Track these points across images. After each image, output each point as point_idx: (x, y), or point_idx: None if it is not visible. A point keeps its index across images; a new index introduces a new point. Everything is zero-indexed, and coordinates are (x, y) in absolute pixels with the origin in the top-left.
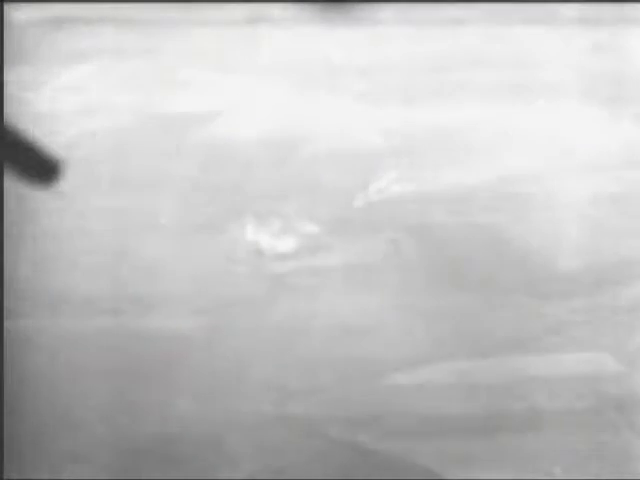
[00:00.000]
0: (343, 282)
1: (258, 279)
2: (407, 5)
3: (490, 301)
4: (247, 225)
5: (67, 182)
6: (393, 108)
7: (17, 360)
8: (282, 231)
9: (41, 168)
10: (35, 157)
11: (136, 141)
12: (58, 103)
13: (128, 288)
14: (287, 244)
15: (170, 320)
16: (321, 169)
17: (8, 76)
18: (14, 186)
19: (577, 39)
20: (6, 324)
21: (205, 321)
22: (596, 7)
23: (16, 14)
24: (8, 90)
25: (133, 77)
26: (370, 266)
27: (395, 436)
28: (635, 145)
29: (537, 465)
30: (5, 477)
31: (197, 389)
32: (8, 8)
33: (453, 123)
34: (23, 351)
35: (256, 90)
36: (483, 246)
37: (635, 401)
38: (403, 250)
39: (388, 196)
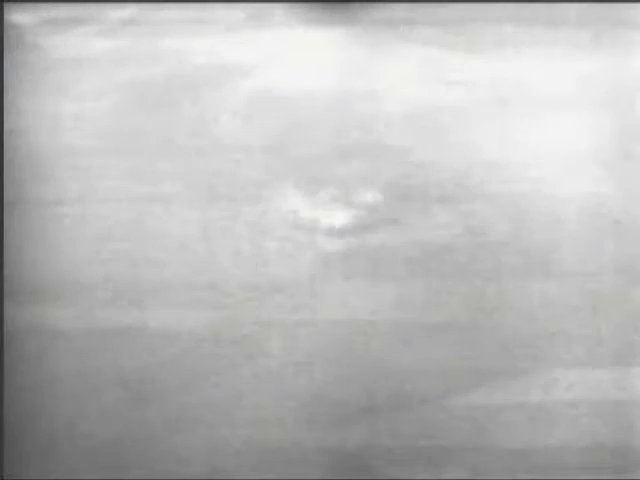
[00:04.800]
0: (409, 266)
1: (303, 260)
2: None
3: (592, 295)
4: (290, 193)
5: (89, 138)
6: (459, 58)
7: (18, 355)
8: (334, 201)
9: None
10: None
11: (168, 94)
12: (86, 50)
13: (141, 273)
14: (340, 217)
15: (189, 313)
16: (382, 128)
17: (28, 19)
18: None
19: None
20: (5, 316)
21: (232, 315)
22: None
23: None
24: (27, 35)
25: (170, 23)
26: (442, 246)
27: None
28: None
29: None
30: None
31: (215, 407)
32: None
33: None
34: (24, 347)
35: (307, 38)
36: (581, 222)
37: None
38: (483, 226)
39: (463, 160)
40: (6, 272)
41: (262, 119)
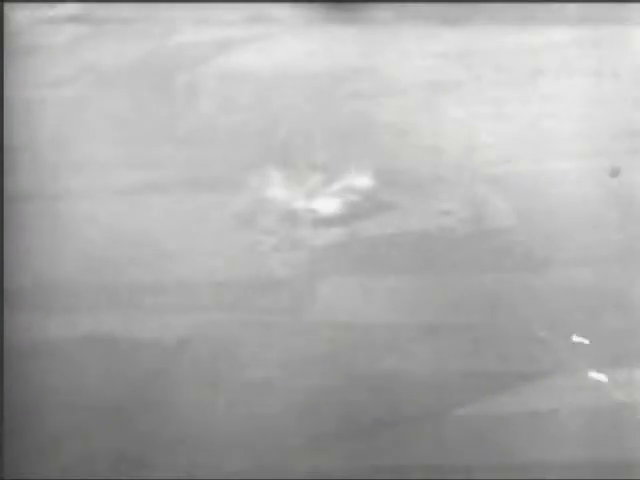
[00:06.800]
0: (410, 257)
1: (289, 255)
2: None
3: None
4: (274, 179)
5: (59, 127)
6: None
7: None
8: (323, 187)
9: None
10: None
11: (140, 76)
12: (56, 35)
13: (121, 273)
14: (330, 205)
15: (169, 318)
16: (372, 107)
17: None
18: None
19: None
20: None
21: (212, 320)
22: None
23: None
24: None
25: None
26: (445, 234)
27: None
28: None
29: None
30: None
31: (200, 427)
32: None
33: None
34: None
35: (290, 13)
36: (605, 206)
37: None
38: (491, 211)
39: (462, 140)
40: None
41: (246, 102)
